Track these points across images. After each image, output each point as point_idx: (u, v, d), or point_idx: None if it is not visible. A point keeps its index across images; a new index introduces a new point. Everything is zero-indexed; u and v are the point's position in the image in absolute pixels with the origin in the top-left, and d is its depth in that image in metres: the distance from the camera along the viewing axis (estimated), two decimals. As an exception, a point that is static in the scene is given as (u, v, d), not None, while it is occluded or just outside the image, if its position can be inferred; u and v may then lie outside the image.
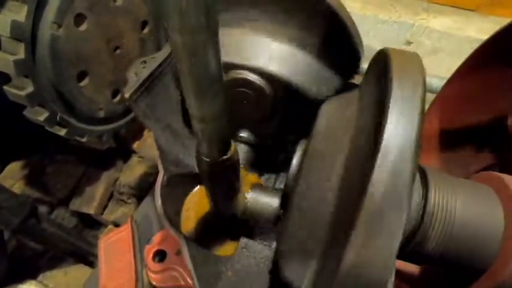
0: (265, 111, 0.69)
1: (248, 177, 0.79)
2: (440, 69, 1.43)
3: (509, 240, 0.41)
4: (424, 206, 0.43)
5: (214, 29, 0.35)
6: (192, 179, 0.81)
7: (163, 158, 0.75)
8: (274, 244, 0.73)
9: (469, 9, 1.43)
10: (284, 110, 0.71)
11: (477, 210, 0.44)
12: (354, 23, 0.60)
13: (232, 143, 0.51)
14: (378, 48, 1.47)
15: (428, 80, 1.33)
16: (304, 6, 0.58)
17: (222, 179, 0.56)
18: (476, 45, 1.36)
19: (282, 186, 0.87)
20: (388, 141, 0.31)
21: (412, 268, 0.65)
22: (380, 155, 0.31)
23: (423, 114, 0.31)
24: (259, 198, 0.65)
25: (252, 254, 0.71)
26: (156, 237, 0.84)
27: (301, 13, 0.60)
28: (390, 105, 0.31)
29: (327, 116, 0.49)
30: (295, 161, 0.51)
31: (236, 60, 0.63)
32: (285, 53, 0.64)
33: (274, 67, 0.63)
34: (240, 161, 0.76)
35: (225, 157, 0.49)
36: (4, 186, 0.83)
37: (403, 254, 0.44)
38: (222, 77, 0.40)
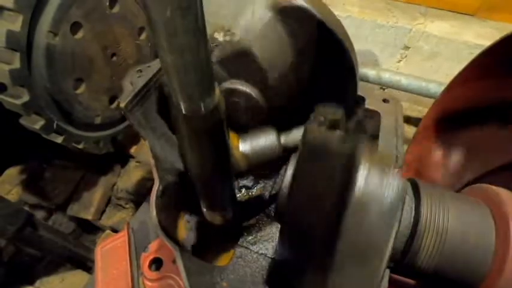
0: (259, 120, 0.69)
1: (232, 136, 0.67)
2: (438, 74, 1.43)
3: (500, 254, 0.41)
4: (416, 221, 0.43)
5: (204, 48, 0.35)
6: (189, 189, 0.81)
7: (159, 166, 0.75)
8: (269, 253, 0.73)
9: (467, 14, 1.42)
10: (278, 117, 0.71)
11: (468, 225, 0.44)
12: (351, 44, 0.60)
13: (217, 90, 0.39)
14: (376, 52, 1.46)
15: (425, 84, 1.33)
16: (300, 31, 0.58)
17: (204, 141, 0.43)
18: (474, 50, 1.36)
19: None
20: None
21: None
22: None
23: None
24: (256, 144, 0.60)
25: (247, 263, 0.71)
26: (153, 245, 0.84)
27: (297, 39, 0.59)
28: None
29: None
30: (289, 171, 0.51)
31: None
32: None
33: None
34: None
35: (209, 102, 0.37)
36: (0, 195, 0.83)
37: (398, 267, 0.44)
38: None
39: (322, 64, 0.64)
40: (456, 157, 0.79)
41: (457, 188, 0.67)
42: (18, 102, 0.75)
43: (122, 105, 0.70)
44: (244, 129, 0.73)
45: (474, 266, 0.42)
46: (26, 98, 0.76)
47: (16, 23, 0.68)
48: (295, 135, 0.64)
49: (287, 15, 0.56)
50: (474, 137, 0.73)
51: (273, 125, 0.72)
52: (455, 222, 0.43)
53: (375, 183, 0.34)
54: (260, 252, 0.73)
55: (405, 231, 0.43)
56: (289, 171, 0.50)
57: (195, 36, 0.32)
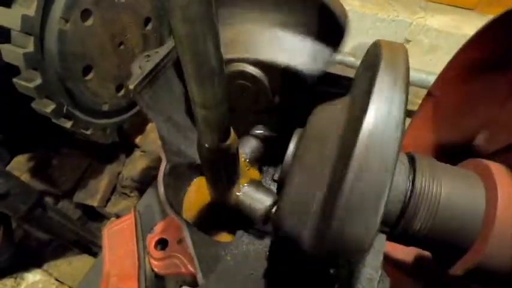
0: (264, 101, 0.71)
1: (250, 171, 0.80)
2: (438, 67, 1.45)
3: (489, 221, 0.43)
4: (412, 189, 0.46)
5: (214, 19, 0.37)
6: (193, 169, 0.84)
7: (166, 148, 0.78)
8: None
9: (467, 8, 1.45)
10: (282, 99, 0.73)
11: (461, 193, 0.46)
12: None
13: (232, 131, 0.54)
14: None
15: (425, 77, 1.35)
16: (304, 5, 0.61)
17: (220, 166, 0.59)
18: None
19: None
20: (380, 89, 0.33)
21: (401, 254, 0.68)
22: (373, 98, 0.32)
23: (407, 94, 0.34)
24: (252, 193, 0.66)
25: (251, 240, 0.74)
26: (158, 227, 0.87)
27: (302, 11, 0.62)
28: (376, 86, 0.34)
29: (321, 109, 0.51)
30: (291, 144, 0.54)
31: (231, 54, 0.65)
32: (277, 40, 0.66)
33: (268, 55, 0.66)
34: (247, 155, 0.79)
35: (224, 144, 0.52)
36: (12, 173, 0.86)
37: (392, 235, 0.47)
38: (222, 65, 0.42)
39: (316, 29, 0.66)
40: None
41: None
42: (31, 85, 0.78)
43: (131, 87, 0.74)
44: (249, 113, 0.76)
45: (465, 230, 0.44)
46: (38, 81, 0.79)
47: (31, 8, 0.71)
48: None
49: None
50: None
51: (277, 115, 0.76)
52: (448, 189, 0.45)
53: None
54: (263, 230, 0.76)
55: (401, 197, 0.46)
56: (292, 143, 0.53)
57: (221, 106, 0.45)
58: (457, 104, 0.71)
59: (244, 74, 0.67)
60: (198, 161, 0.62)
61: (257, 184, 0.70)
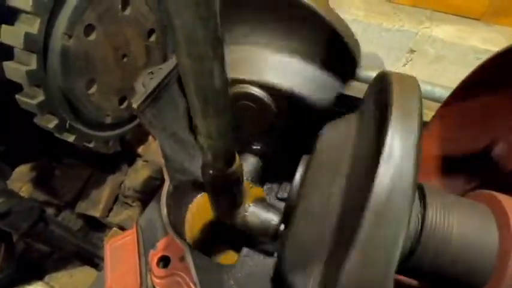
0: (268, 122, 0.71)
1: (253, 190, 0.80)
2: (443, 78, 1.44)
3: (503, 258, 0.42)
4: (422, 223, 0.45)
5: (221, 56, 0.36)
6: (196, 187, 0.83)
7: (169, 166, 0.78)
8: (276, 253, 0.75)
9: (473, 18, 1.43)
10: (287, 121, 0.72)
11: (473, 229, 0.45)
12: (349, 30, 0.62)
13: (237, 156, 0.53)
14: (382, 56, 1.47)
15: (430, 88, 1.33)
16: (303, 20, 0.60)
17: (225, 191, 0.58)
18: (480, 55, 1.37)
19: (284, 195, 0.89)
20: (390, 147, 0.32)
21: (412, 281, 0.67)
22: (383, 157, 0.32)
23: (421, 127, 0.33)
24: (259, 212, 0.66)
25: (254, 262, 0.73)
26: (161, 243, 0.86)
27: (300, 27, 0.62)
28: (392, 118, 0.33)
29: (329, 133, 0.50)
30: (298, 174, 0.53)
31: (239, 75, 0.65)
32: (285, 65, 0.66)
33: (275, 79, 0.65)
34: (247, 174, 0.79)
35: (229, 170, 0.51)
36: (14, 191, 0.85)
37: (402, 270, 0.46)
38: (228, 97, 0.42)
39: (326, 64, 0.66)
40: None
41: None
42: (33, 102, 0.77)
43: (135, 106, 0.73)
44: (253, 132, 0.75)
45: (477, 269, 0.43)
46: (41, 97, 0.78)
47: (34, 26, 0.71)
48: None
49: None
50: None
51: (280, 134, 0.75)
52: (460, 225, 0.44)
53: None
54: (267, 250, 0.75)
55: (410, 234, 0.44)
56: (299, 173, 0.52)
57: (226, 136, 0.45)
58: (472, 114, 0.69)
59: (248, 95, 0.66)
60: (201, 179, 0.61)
61: (263, 202, 0.70)
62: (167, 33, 1.19)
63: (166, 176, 0.76)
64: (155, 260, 0.83)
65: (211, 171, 0.52)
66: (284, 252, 0.47)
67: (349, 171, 0.43)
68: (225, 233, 0.80)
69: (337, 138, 0.50)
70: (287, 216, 0.52)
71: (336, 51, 0.63)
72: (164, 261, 0.83)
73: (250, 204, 0.68)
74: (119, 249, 0.95)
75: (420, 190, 0.48)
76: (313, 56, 0.64)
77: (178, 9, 0.30)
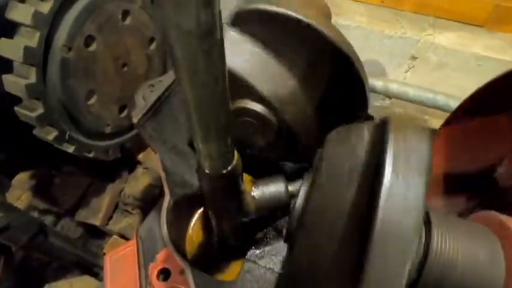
0: (269, 138, 0.70)
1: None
2: (445, 85, 1.43)
3: (511, 281, 0.41)
4: (427, 248, 0.44)
5: (226, 85, 0.36)
6: (197, 201, 0.82)
7: (169, 180, 0.77)
8: (277, 267, 0.74)
9: (476, 25, 1.42)
10: (289, 136, 0.71)
11: (479, 253, 0.44)
12: (359, 60, 0.61)
13: (236, 153, 0.50)
14: (384, 62, 1.46)
15: (433, 96, 1.33)
16: (310, 46, 0.59)
17: (225, 192, 0.55)
18: (482, 62, 1.36)
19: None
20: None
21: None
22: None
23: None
24: (266, 191, 0.65)
25: (255, 278, 0.72)
26: (160, 255, 0.85)
27: (307, 52, 0.60)
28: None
29: (332, 154, 0.49)
30: (302, 193, 0.52)
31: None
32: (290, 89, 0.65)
33: (272, 90, 0.64)
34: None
35: (228, 169, 0.48)
36: (12, 205, 0.85)
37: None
38: (230, 124, 0.41)
39: (331, 82, 0.65)
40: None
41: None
42: (33, 114, 0.77)
43: (135, 120, 0.72)
44: (255, 149, 0.74)
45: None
46: (40, 110, 0.78)
47: (33, 39, 0.70)
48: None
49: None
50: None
51: (283, 147, 0.74)
52: (465, 251, 0.43)
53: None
54: (268, 266, 0.74)
55: (416, 260, 0.44)
56: (302, 191, 0.51)
57: (223, 141, 0.42)
58: (474, 134, 0.69)
59: (249, 111, 0.65)
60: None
61: (261, 182, 0.68)
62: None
63: (166, 191, 0.75)
64: (155, 273, 0.83)
65: (207, 172, 0.48)
66: (288, 271, 0.46)
67: (355, 193, 0.42)
68: (225, 249, 0.79)
69: (341, 155, 0.48)
70: (290, 239, 0.51)
71: (345, 81, 0.63)
72: (164, 273, 0.83)
73: (253, 189, 0.66)
74: (119, 261, 0.94)
75: (425, 216, 0.47)
76: (319, 84, 0.63)
77: (181, 41, 0.30)
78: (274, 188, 0.65)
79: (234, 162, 0.47)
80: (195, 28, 0.29)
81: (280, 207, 0.66)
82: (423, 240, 0.44)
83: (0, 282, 0.87)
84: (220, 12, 0.30)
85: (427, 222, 0.45)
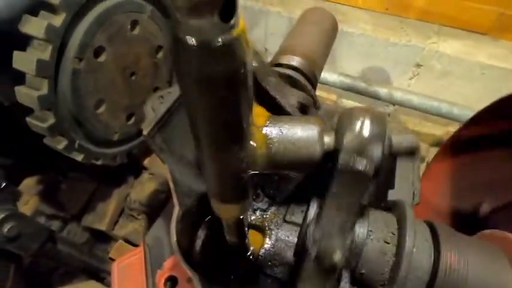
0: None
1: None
2: (449, 93, 1.44)
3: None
4: (437, 265, 0.45)
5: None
6: (205, 209, 0.83)
7: (178, 191, 0.78)
8: (284, 277, 0.75)
9: (480, 33, 1.43)
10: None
11: (488, 271, 0.45)
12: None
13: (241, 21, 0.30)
14: (388, 69, 1.47)
15: (437, 104, 1.34)
16: None
17: (220, 92, 0.31)
18: (486, 70, 1.36)
19: (292, 218, 0.89)
20: None
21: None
22: None
23: None
24: (287, 132, 0.40)
25: (262, 288, 0.73)
26: (168, 263, 0.86)
27: None
28: None
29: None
30: (311, 211, 0.52)
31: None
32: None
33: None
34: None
35: (226, 37, 0.29)
36: (24, 214, 0.86)
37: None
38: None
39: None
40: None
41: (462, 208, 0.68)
42: (44, 125, 0.78)
43: (145, 132, 0.73)
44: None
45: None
46: (51, 120, 0.79)
47: (45, 52, 0.71)
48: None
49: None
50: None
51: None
52: (474, 269, 0.44)
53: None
54: (275, 276, 0.75)
55: (424, 277, 0.44)
56: (313, 208, 0.52)
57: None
58: (460, 172, 0.70)
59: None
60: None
61: (283, 118, 0.43)
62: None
63: (175, 201, 0.76)
64: (162, 281, 0.84)
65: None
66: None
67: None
68: (233, 257, 0.80)
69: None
70: (298, 254, 0.52)
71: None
72: (171, 281, 0.83)
73: (267, 123, 0.40)
74: (126, 268, 0.95)
75: (431, 229, 0.48)
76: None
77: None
78: (301, 131, 0.40)
79: (237, 29, 0.24)
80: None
81: (306, 166, 0.41)
82: (431, 259, 0.45)
83: (10, 289, 0.89)
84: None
85: (435, 238, 0.46)
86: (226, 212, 0.45)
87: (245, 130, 0.32)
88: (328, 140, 0.41)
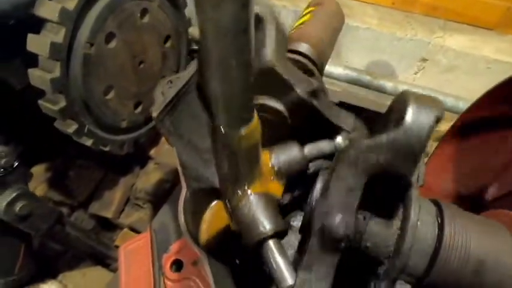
0: (285, 134, 0.72)
1: (270, 183, 0.64)
2: (455, 87, 1.44)
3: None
4: (440, 241, 0.46)
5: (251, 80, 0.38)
6: (212, 194, 0.84)
7: (186, 173, 0.79)
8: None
9: (487, 28, 1.43)
10: (304, 135, 0.73)
11: (492, 247, 0.46)
12: None
13: (256, 117, 0.44)
14: (393, 64, 1.47)
15: (442, 98, 1.34)
16: None
17: (243, 158, 0.48)
18: (492, 65, 1.36)
19: (295, 223, 0.90)
20: None
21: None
22: None
23: None
24: (257, 209, 0.53)
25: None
26: (174, 247, 0.88)
27: None
28: None
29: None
30: (317, 186, 0.54)
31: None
32: None
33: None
34: (276, 162, 0.70)
35: (247, 127, 0.42)
36: (35, 194, 0.88)
37: (419, 286, 0.47)
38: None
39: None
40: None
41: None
42: (56, 108, 0.80)
43: (154, 115, 0.74)
44: (266, 143, 0.76)
45: (499, 284, 0.44)
46: (62, 103, 0.81)
47: (59, 35, 0.73)
48: (318, 146, 0.64)
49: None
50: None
51: (296, 138, 0.75)
52: (477, 243, 0.45)
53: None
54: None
55: (428, 250, 0.45)
56: (319, 185, 0.53)
57: (245, 68, 0.36)
58: (468, 154, 0.70)
59: (264, 107, 0.67)
60: (216, 185, 0.61)
61: (269, 201, 0.56)
62: (181, 38, 1.21)
63: (183, 183, 0.77)
64: (168, 264, 0.85)
65: (223, 132, 0.42)
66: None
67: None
68: (239, 240, 0.81)
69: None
70: (304, 228, 0.53)
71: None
72: (177, 264, 0.85)
73: (253, 194, 0.53)
74: (133, 252, 0.97)
75: (436, 205, 0.49)
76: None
77: (217, 38, 0.32)
78: (289, 154, 0.60)
79: (254, 122, 0.43)
80: (233, 25, 0.31)
81: (297, 173, 0.60)
82: (436, 232, 0.45)
83: (21, 269, 0.91)
84: (253, 11, 0.32)
85: (440, 215, 0.47)
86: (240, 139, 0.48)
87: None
88: (307, 151, 0.61)
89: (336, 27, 1.02)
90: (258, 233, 0.49)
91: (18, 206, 0.77)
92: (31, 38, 0.73)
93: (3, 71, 0.76)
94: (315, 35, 0.89)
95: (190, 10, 1.21)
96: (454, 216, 0.47)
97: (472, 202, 0.68)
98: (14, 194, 0.77)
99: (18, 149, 0.80)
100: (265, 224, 0.50)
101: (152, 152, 1.45)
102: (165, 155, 1.44)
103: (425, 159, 0.76)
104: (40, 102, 0.81)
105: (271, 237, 0.49)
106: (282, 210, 0.87)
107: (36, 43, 0.73)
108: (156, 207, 1.37)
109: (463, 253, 0.44)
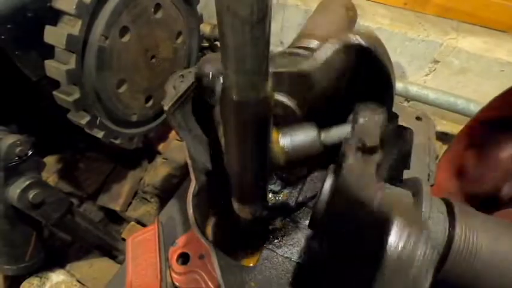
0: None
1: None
2: (467, 89, 1.42)
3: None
4: (451, 240, 0.45)
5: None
6: (219, 188, 0.85)
7: (195, 167, 0.80)
8: (294, 257, 0.77)
9: (501, 30, 1.41)
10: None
11: (503, 247, 0.45)
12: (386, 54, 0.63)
13: (270, 86, 0.40)
14: (404, 65, 1.46)
15: (453, 100, 1.32)
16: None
17: (252, 129, 0.44)
18: (505, 68, 1.34)
19: (305, 200, 0.90)
20: None
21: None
22: None
23: None
24: (295, 138, 0.55)
25: (273, 265, 0.75)
26: (180, 240, 0.88)
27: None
28: None
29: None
30: (326, 185, 0.53)
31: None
32: None
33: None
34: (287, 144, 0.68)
35: (259, 97, 0.39)
36: (48, 183, 0.90)
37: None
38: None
39: (360, 79, 0.66)
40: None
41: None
42: (70, 99, 0.81)
43: (166, 108, 0.75)
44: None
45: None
46: (77, 95, 0.82)
47: (75, 27, 0.74)
48: (335, 132, 0.59)
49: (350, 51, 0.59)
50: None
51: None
52: (489, 241, 0.45)
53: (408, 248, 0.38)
54: (285, 255, 0.77)
55: (439, 248, 0.45)
56: (327, 185, 0.53)
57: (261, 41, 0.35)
58: (483, 153, 0.70)
59: (276, 102, 0.67)
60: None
61: (288, 129, 0.57)
62: (193, 34, 1.22)
63: (192, 176, 0.78)
64: (175, 256, 0.86)
65: (234, 97, 0.38)
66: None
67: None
68: (245, 234, 0.82)
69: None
70: (314, 223, 0.53)
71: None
72: (183, 257, 0.86)
73: (280, 137, 0.55)
74: (140, 244, 0.98)
75: (447, 204, 0.48)
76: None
77: (234, 28, 0.32)
78: (305, 136, 0.55)
79: (268, 91, 0.39)
80: (250, 15, 0.31)
81: (312, 157, 0.56)
82: (446, 230, 0.45)
83: (31, 257, 0.92)
84: (271, 2, 0.33)
85: (450, 210, 0.46)
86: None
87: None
88: (324, 136, 0.57)
89: (348, 25, 1.02)
90: (314, 145, 0.55)
91: (31, 194, 0.79)
92: (48, 29, 0.74)
93: (21, 62, 0.78)
94: (326, 32, 0.89)
95: (202, 7, 1.22)
96: (465, 216, 0.47)
97: (484, 202, 0.67)
98: (28, 182, 0.79)
99: (32, 138, 0.81)
100: (310, 135, 0.56)
101: (160, 147, 1.46)
102: (173, 150, 1.46)
103: (437, 159, 0.76)
104: (55, 93, 0.83)
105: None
106: (289, 209, 0.88)
107: (54, 35, 0.74)
108: (163, 202, 1.38)
109: (474, 253, 0.44)
